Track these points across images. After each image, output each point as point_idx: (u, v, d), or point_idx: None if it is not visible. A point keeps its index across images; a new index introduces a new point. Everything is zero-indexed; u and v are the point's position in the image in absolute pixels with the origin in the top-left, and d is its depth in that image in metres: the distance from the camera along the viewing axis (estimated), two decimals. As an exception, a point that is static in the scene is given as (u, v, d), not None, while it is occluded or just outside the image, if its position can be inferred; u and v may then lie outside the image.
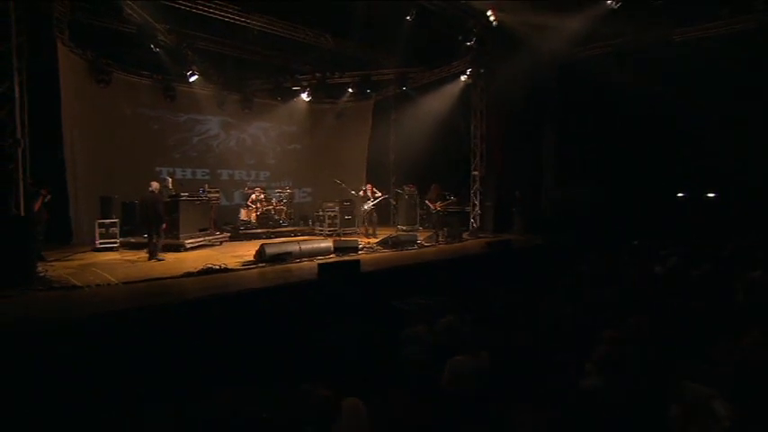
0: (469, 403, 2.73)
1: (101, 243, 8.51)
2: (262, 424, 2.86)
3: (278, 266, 6.89)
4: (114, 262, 7.46)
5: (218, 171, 13.51)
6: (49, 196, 7.30)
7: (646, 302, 4.12)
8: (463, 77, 12.46)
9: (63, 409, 3.30)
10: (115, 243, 8.60)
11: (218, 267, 6.36)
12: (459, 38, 10.50)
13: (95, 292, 5.19)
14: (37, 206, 6.56)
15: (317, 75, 13.61)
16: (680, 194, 12.26)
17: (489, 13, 10.30)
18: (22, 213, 5.78)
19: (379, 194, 11.16)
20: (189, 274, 6.08)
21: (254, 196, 11.63)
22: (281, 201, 12.27)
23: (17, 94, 5.86)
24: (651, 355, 2.92)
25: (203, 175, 13.09)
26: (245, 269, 6.69)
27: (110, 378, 3.67)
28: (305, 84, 13.71)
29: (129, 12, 9.09)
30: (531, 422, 2.26)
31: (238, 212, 11.93)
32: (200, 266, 6.41)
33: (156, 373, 3.83)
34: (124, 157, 11.18)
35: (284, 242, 8.35)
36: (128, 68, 11.57)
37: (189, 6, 9.60)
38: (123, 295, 5.12)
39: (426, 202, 11.23)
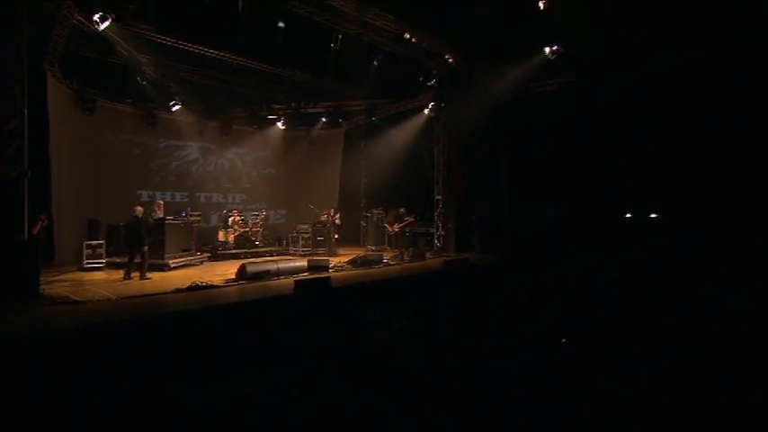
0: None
1: (87, 263, 9.09)
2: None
3: (258, 283, 7.71)
4: (103, 281, 8.08)
5: (197, 194, 14.19)
6: (47, 221, 7.89)
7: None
8: (426, 110, 13.73)
9: (89, 401, 4.04)
10: (102, 263, 9.19)
11: (204, 284, 7.14)
12: (421, 79, 11.75)
13: (97, 305, 5.89)
14: (36, 230, 7.17)
15: (292, 105, 14.62)
16: (627, 215, 13.77)
17: (447, 56, 11.67)
18: (25, 236, 6.47)
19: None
20: (178, 291, 6.83)
21: (232, 219, 12.38)
22: (257, 223, 13.05)
23: (25, 130, 6.60)
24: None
25: (182, 198, 13.73)
26: (228, 286, 7.48)
27: (120, 374, 4.42)
28: (280, 113, 14.70)
29: (120, 49, 9.88)
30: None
31: (216, 234, 12.60)
32: (187, 284, 7.17)
33: (159, 370, 4.61)
34: (107, 181, 11.76)
35: (263, 261, 9.15)
36: (112, 97, 12.25)
37: (173, 43, 10.48)
38: (124, 308, 5.84)
39: (385, 225, 12.24)
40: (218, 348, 5.10)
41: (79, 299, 6.16)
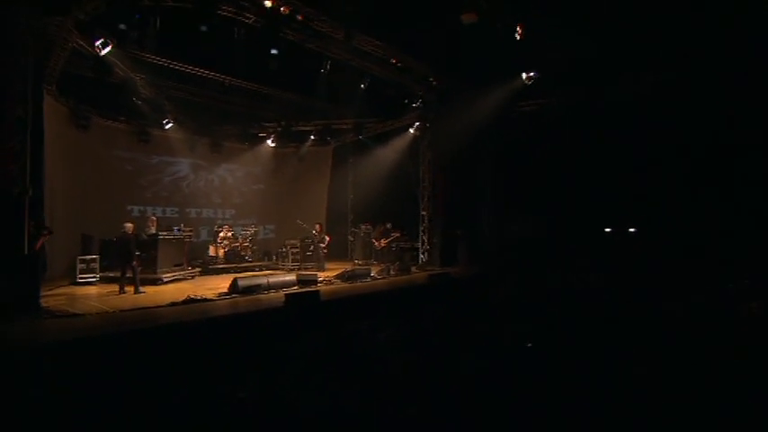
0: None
1: (81, 277, 9.31)
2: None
3: (249, 297, 8.04)
4: (98, 295, 8.33)
5: (187, 209, 14.46)
6: (48, 236, 8.12)
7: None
8: (411, 129, 14.30)
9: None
10: (95, 277, 9.42)
11: (199, 298, 7.46)
12: (406, 101, 12.34)
13: (97, 318, 6.18)
14: (38, 245, 7.42)
15: (282, 123, 15.06)
16: (607, 229, 14.44)
17: (431, 79, 12.30)
18: (26, 252, 6.73)
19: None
20: (174, 304, 7.13)
21: (222, 234, 12.68)
22: (247, 238, 13.36)
23: (28, 150, 6.92)
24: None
25: (172, 213, 13.99)
26: (221, 299, 7.79)
27: (126, 378, 4.73)
28: (270, 130, 15.15)
29: (117, 70, 10.24)
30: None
31: (206, 249, 12.88)
32: (182, 297, 7.48)
33: (159, 378, 4.92)
34: (99, 196, 12.01)
35: (254, 276, 9.49)
36: (105, 114, 12.57)
37: (168, 63, 10.87)
38: (123, 320, 6.13)
39: (372, 240, 12.67)
40: (214, 357, 5.43)
41: (78, 312, 6.43)
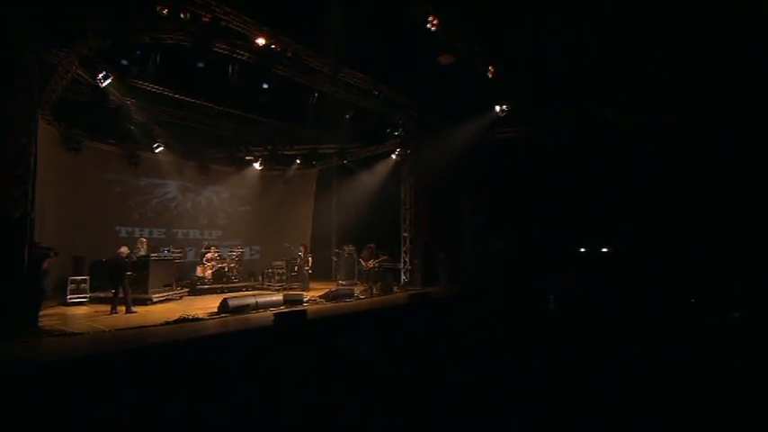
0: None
1: (71, 298, 9.54)
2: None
3: (239, 316, 8.44)
4: (90, 315, 8.59)
5: (174, 230, 14.75)
6: (55, 256, 8.41)
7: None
8: (393, 155, 15.01)
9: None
10: (85, 298, 9.66)
11: (191, 317, 7.83)
12: (388, 130, 13.09)
13: (95, 337, 6.51)
14: (46, 265, 7.71)
15: (269, 147, 15.62)
16: (582, 249, 15.28)
17: (412, 109, 13.10)
18: (25, 273, 7.05)
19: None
20: (167, 323, 7.49)
21: (209, 255, 13.01)
22: (234, 259, 13.71)
23: (30, 177, 7.30)
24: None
25: (160, 234, 14.27)
26: (212, 319, 8.17)
27: (124, 394, 5.10)
28: (257, 154, 15.67)
29: (112, 97, 10.69)
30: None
31: (193, 269, 13.16)
32: (172, 317, 7.84)
33: (156, 391, 5.30)
34: (88, 217, 12.26)
35: (243, 296, 9.87)
36: (96, 137, 12.92)
37: (161, 91, 11.37)
38: (119, 339, 6.48)
39: (360, 260, 13.18)
40: (208, 373, 5.83)
41: (75, 331, 6.74)
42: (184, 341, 6.50)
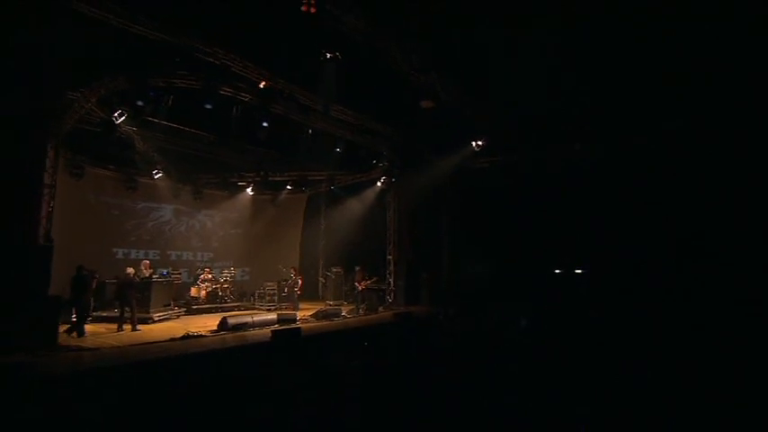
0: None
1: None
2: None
3: (237, 333, 9.21)
4: (98, 332, 9.23)
5: (168, 252, 15.38)
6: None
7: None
8: (379, 183, 16.06)
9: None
10: (89, 317, 10.23)
11: (196, 334, 8.58)
12: (374, 161, 14.19)
13: (110, 352, 7.22)
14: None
15: (261, 173, 16.52)
16: (556, 270, 16.41)
17: (396, 141, 14.27)
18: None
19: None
20: (173, 339, 8.23)
21: (203, 276, 13.70)
22: (227, 279, 14.40)
23: (53, 214, 8.08)
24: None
25: (154, 256, 14.84)
26: (213, 335, 8.93)
27: (141, 399, 5.86)
28: (249, 180, 16.55)
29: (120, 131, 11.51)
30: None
31: (187, 290, 13.78)
32: (176, 334, 8.58)
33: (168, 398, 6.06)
34: (87, 240, 12.82)
35: (240, 315, 10.63)
36: (97, 163, 13.63)
37: (166, 123, 12.24)
38: (132, 353, 7.20)
39: (355, 283, 14.00)
40: (213, 384, 6.62)
41: (91, 346, 7.44)
42: (193, 354, 7.27)
